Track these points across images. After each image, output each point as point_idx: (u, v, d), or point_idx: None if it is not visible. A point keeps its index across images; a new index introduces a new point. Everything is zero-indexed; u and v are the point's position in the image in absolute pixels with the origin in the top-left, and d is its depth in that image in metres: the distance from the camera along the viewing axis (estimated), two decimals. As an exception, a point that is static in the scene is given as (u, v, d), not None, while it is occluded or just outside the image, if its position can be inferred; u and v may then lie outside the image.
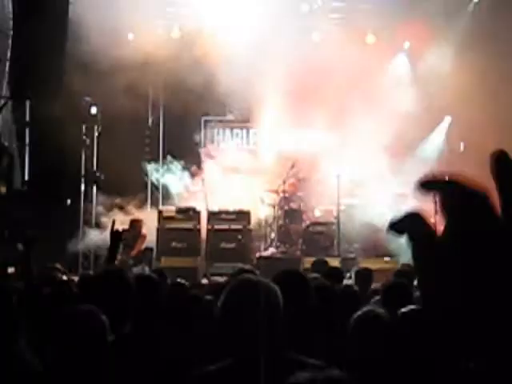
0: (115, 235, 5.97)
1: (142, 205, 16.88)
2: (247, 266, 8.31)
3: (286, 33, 16.84)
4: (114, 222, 6.40)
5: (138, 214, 16.03)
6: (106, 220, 15.81)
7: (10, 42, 15.28)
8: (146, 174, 17.80)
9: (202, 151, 17.98)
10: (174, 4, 17.48)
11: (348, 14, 17.38)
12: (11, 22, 15.29)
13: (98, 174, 16.79)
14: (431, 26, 17.03)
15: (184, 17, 17.31)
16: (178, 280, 6.58)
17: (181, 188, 17.30)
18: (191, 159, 17.57)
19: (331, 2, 17.59)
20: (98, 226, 16.24)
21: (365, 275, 8.92)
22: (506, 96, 15.54)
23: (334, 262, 12.97)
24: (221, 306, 3.03)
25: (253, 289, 3.02)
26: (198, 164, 17.46)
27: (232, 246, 15.44)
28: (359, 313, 3.81)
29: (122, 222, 15.84)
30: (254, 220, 15.96)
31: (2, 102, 14.84)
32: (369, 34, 17.61)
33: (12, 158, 15.04)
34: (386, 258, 14.73)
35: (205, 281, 12.66)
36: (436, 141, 17.77)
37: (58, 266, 9.11)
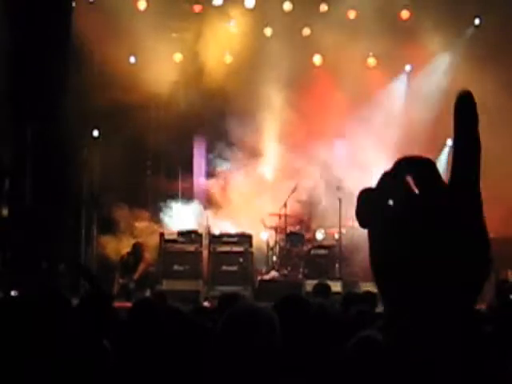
0: (82, 270, 6.03)
1: (144, 227, 16.86)
2: (231, 293, 8.27)
3: (287, 56, 16.90)
4: (77, 259, 6.45)
5: (140, 237, 16.04)
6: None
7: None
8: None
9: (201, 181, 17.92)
10: (178, 29, 17.54)
11: (349, 37, 17.43)
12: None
13: (99, 196, 16.77)
14: (432, 49, 17.11)
15: (188, 42, 17.37)
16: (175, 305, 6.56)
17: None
18: (191, 180, 17.57)
19: (333, 26, 17.65)
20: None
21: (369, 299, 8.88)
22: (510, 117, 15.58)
23: (336, 286, 12.95)
24: (219, 334, 3.01)
25: (251, 317, 3.00)
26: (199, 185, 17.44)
27: (234, 268, 15.42)
28: (356, 338, 3.80)
29: (125, 244, 16.01)
30: (255, 243, 15.94)
31: None
32: (370, 57, 17.65)
33: (14, 181, 15.07)
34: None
35: (206, 304, 12.65)
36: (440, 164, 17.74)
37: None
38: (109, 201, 16.36)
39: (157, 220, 16.96)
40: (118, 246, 16.06)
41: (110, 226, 16.44)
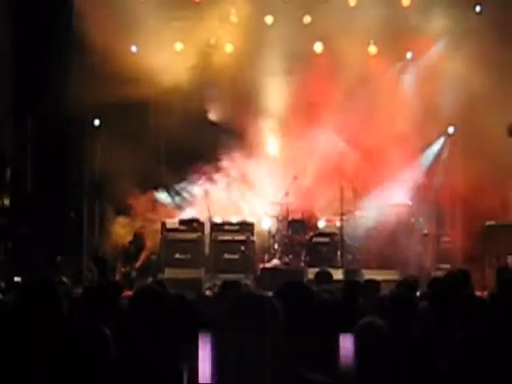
0: (98, 260, 6.06)
1: (146, 216, 16.86)
2: (231, 280, 8.28)
3: (288, 43, 16.88)
4: (96, 249, 6.49)
5: (141, 226, 16.03)
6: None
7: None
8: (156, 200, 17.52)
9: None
10: (179, 18, 17.49)
11: (350, 25, 17.38)
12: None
13: (101, 186, 16.76)
14: (432, 36, 17.07)
15: (189, 30, 17.32)
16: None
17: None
18: (194, 169, 17.51)
19: (333, 13, 17.59)
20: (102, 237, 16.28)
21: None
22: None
23: (338, 273, 12.97)
24: (222, 321, 3.02)
25: (255, 304, 3.01)
26: (202, 174, 17.37)
27: (235, 257, 15.46)
28: (358, 324, 3.82)
29: (126, 233, 16.02)
30: (257, 231, 15.96)
31: None
32: (370, 45, 17.59)
33: (15, 170, 15.08)
34: (390, 269, 14.76)
35: (208, 292, 12.67)
36: (437, 149, 17.67)
37: (64, 279, 9.15)
38: (111, 189, 16.35)
39: (161, 206, 16.93)
40: (121, 233, 16.04)
41: (112, 214, 16.42)
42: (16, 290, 4.31)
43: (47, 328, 3.76)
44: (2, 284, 12.80)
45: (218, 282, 13.67)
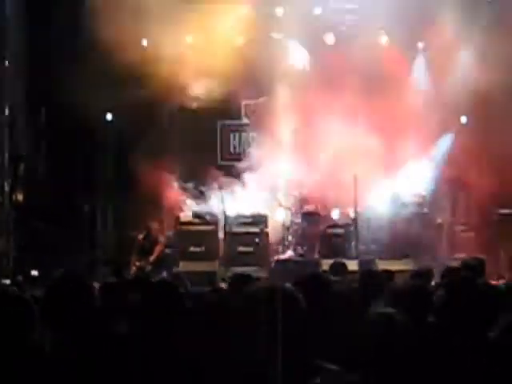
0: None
1: (159, 210, 16.89)
2: (247, 272, 8.28)
3: (298, 35, 16.86)
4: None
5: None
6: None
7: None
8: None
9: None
10: (188, 11, 17.45)
11: (361, 16, 17.33)
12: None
13: (114, 180, 16.80)
14: (445, 25, 16.98)
15: (199, 22, 17.28)
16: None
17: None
18: (208, 165, 17.50)
19: (344, 4, 17.55)
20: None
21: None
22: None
23: (352, 264, 12.96)
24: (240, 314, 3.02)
25: (273, 296, 3.00)
26: (215, 169, 17.36)
27: (249, 249, 15.47)
28: (373, 315, 3.81)
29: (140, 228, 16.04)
30: (271, 223, 15.96)
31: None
32: (382, 36, 17.54)
33: (29, 166, 15.13)
34: (404, 259, 14.76)
35: (223, 285, 12.68)
36: (450, 139, 17.57)
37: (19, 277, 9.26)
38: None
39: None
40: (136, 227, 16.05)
41: (128, 207, 16.44)
42: (45, 284, 4.31)
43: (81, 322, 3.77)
44: (20, 278, 12.86)
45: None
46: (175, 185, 17.05)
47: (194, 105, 16.91)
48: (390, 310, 3.84)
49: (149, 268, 14.86)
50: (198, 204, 16.42)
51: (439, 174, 16.52)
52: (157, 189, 17.04)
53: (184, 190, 16.77)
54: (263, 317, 2.94)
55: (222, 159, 18.32)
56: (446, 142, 17.17)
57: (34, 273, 13.32)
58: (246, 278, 7.00)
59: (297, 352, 2.97)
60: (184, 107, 17.19)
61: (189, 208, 16.47)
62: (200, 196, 16.48)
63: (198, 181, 16.66)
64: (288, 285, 3.35)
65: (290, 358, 2.89)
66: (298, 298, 3.08)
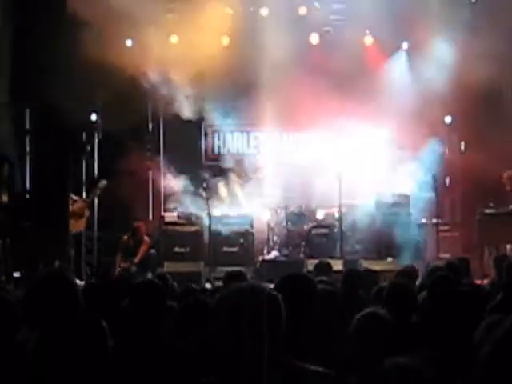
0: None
1: (143, 211, 16.88)
2: (236, 270, 8.24)
3: (283, 35, 16.86)
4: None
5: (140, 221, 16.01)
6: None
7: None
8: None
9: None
10: (173, 11, 17.42)
11: (346, 16, 17.37)
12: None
13: (99, 181, 16.73)
14: (430, 25, 17.01)
15: (184, 23, 17.24)
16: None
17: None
18: (192, 165, 17.50)
19: (329, 4, 17.56)
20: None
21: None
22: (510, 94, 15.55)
23: (337, 264, 12.98)
24: (221, 313, 3.00)
25: (254, 296, 2.98)
26: (199, 169, 17.35)
27: (235, 249, 15.49)
28: (360, 314, 3.82)
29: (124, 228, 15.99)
30: (256, 223, 15.97)
31: None
32: (367, 36, 17.58)
33: (13, 166, 15.04)
34: (389, 259, 14.81)
35: (208, 285, 12.68)
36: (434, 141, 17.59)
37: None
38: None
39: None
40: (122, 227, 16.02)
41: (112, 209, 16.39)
42: (26, 283, 4.29)
43: (64, 319, 3.74)
44: (3, 277, 12.80)
45: (218, 275, 13.76)
46: (161, 184, 17.08)
47: (179, 105, 16.83)
48: (377, 309, 3.85)
49: (134, 269, 14.82)
50: (182, 204, 16.39)
51: (424, 174, 16.53)
52: (142, 189, 17.08)
53: (169, 189, 16.75)
54: (244, 317, 2.92)
55: (206, 159, 18.30)
56: (431, 142, 17.21)
57: (16, 274, 13.26)
58: (239, 276, 7.01)
59: (275, 353, 2.95)
60: (168, 107, 17.14)
61: (174, 208, 16.46)
62: (185, 196, 16.45)
63: (182, 181, 16.59)
64: (266, 284, 3.33)
65: (271, 359, 2.88)
66: (276, 298, 3.05)
